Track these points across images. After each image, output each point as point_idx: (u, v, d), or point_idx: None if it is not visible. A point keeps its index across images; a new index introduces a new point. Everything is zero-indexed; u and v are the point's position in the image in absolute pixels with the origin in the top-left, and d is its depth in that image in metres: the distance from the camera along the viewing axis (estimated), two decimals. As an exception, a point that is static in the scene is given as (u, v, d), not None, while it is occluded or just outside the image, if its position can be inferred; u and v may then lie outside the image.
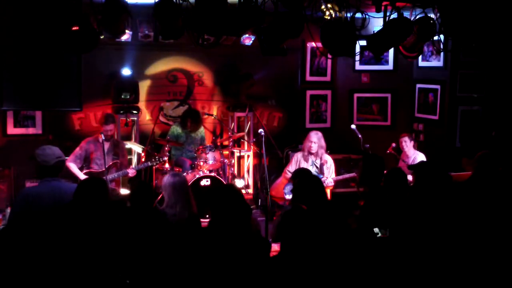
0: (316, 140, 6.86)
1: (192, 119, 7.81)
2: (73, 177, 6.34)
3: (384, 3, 5.53)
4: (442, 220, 4.14)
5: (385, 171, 5.18)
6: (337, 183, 7.13)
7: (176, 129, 7.86)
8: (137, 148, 7.59)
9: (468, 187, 5.07)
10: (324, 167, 6.89)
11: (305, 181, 4.62)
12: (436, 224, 4.11)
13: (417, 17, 5.66)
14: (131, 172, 6.75)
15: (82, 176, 6.38)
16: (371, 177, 5.00)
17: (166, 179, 4.82)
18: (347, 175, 7.22)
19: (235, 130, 8.45)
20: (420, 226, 4.14)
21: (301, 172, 5.53)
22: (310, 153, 6.89)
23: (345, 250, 3.77)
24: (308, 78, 8.97)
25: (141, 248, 3.95)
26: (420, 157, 7.08)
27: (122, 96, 7.48)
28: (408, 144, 7.18)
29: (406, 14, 5.63)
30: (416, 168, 5.19)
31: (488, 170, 5.14)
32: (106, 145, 6.65)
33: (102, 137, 6.30)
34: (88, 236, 3.79)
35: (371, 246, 3.88)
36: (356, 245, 3.86)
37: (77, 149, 6.67)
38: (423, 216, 4.23)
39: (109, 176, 6.41)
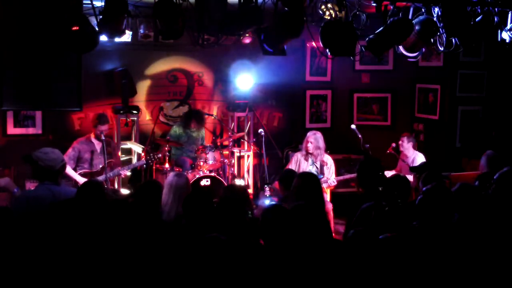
0: (312, 140, 6.83)
1: (196, 119, 7.81)
2: (67, 178, 6.21)
3: (384, 3, 5.53)
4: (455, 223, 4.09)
5: (384, 174, 5.13)
6: (337, 183, 7.13)
7: (177, 129, 7.86)
8: (137, 148, 7.60)
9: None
10: (324, 167, 6.88)
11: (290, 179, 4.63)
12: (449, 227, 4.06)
13: (418, 17, 5.65)
14: (124, 172, 6.72)
15: (77, 177, 6.30)
16: (369, 180, 4.96)
17: (169, 177, 4.83)
18: (347, 176, 7.20)
19: (235, 130, 8.45)
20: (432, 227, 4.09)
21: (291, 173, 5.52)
22: (308, 153, 6.89)
23: (329, 250, 3.72)
24: (308, 78, 8.97)
25: (135, 246, 3.91)
26: (419, 157, 7.06)
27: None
28: (405, 145, 7.12)
29: (407, 14, 5.63)
30: (418, 170, 5.16)
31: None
32: (99, 145, 6.62)
33: (103, 136, 6.36)
34: (87, 234, 3.77)
35: (365, 248, 3.82)
36: (347, 247, 3.80)
37: (70, 150, 6.52)
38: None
39: (105, 176, 6.39)
